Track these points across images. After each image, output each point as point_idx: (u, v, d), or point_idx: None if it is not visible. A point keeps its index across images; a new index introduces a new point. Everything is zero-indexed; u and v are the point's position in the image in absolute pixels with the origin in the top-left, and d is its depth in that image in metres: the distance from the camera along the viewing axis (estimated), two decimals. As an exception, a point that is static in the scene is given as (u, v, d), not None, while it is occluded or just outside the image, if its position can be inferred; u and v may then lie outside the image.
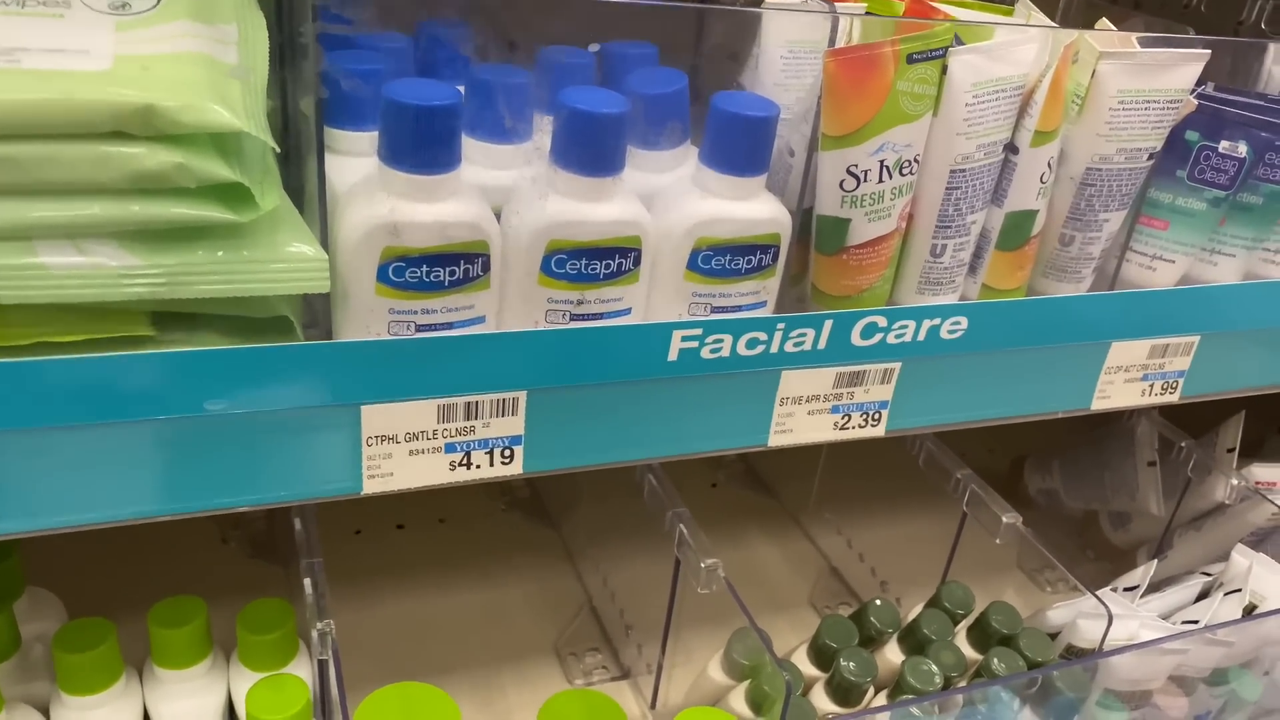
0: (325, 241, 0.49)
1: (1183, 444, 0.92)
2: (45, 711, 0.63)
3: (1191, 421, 0.97)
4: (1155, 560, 0.85)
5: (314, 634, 0.59)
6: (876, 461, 0.95)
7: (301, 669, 0.66)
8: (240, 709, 0.63)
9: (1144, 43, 0.61)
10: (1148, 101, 0.60)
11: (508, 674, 0.82)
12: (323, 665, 0.62)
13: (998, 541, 0.78)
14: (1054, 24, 0.66)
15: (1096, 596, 0.72)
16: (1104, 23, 0.64)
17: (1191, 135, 0.65)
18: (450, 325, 0.51)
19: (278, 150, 0.46)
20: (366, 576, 0.90)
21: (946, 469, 0.83)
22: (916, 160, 0.57)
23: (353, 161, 0.52)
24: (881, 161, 0.55)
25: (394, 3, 0.60)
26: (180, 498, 0.49)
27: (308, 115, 0.47)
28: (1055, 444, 1.10)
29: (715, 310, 0.57)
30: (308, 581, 0.62)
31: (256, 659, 0.65)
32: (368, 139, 0.52)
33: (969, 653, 0.76)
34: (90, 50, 0.42)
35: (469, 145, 0.52)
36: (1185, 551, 0.94)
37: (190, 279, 0.45)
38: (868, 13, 0.65)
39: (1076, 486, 1.06)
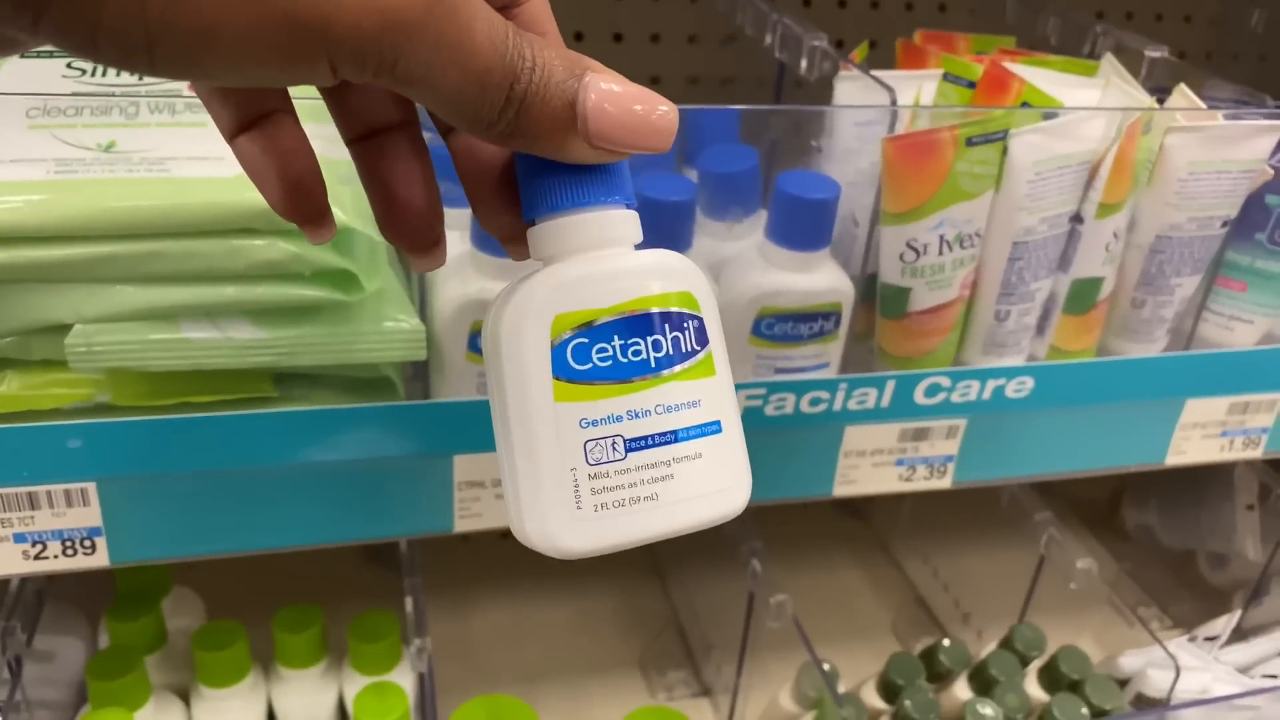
0: (423, 311, 0.55)
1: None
2: (186, 698, 0.72)
3: (1295, 466, 0.95)
4: (1239, 611, 0.84)
5: (412, 649, 0.66)
6: (968, 489, 0.97)
7: (404, 675, 0.73)
8: (350, 708, 0.71)
9: (1219, 110, 0.61)
10: (1219, 172, 0.61)
11: (594, 685, 0.88)
12: (421, 675, 0.69)
13: (1072, 586, 0.79)
14: (1135, 83, 0.67)
15: (1164, 647, 0.72)
16: (1182, 89, 0.65)
17: (1272, 199, 0.65)
18: (532, 386, 0.57)
19: (379, 240, 0.52)
20: (468, 583, 0.97)
21: (1027, 511, 0.85)
22: (978, 234, 0.59)
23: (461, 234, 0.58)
24: (941, 236, 0.58)
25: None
26: (295, 533, 0.57)
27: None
28: (1155, 477, 1.09)
29: (779, 371, 0.61)
30: (409, 600, 0.69)
31: (364, 664, 0.72)
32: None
33: (1039, 695, 0.78)
34: (225, 157, 0.49)
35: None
36: (1280, 599, 0.92)
37: (307, 349, 0.52)
38: (945, 74, 0.68)
39: (1173, 524, 1.05)
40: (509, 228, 0.33)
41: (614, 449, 0.31)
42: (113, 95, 0.52)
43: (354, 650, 0.73)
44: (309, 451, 0.54)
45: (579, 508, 0.30)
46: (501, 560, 1.00)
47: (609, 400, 0.30)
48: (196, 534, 0.55)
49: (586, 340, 0.30)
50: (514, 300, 0.30)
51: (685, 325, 0.31)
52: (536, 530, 0.31)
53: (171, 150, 0.49)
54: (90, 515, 0.53)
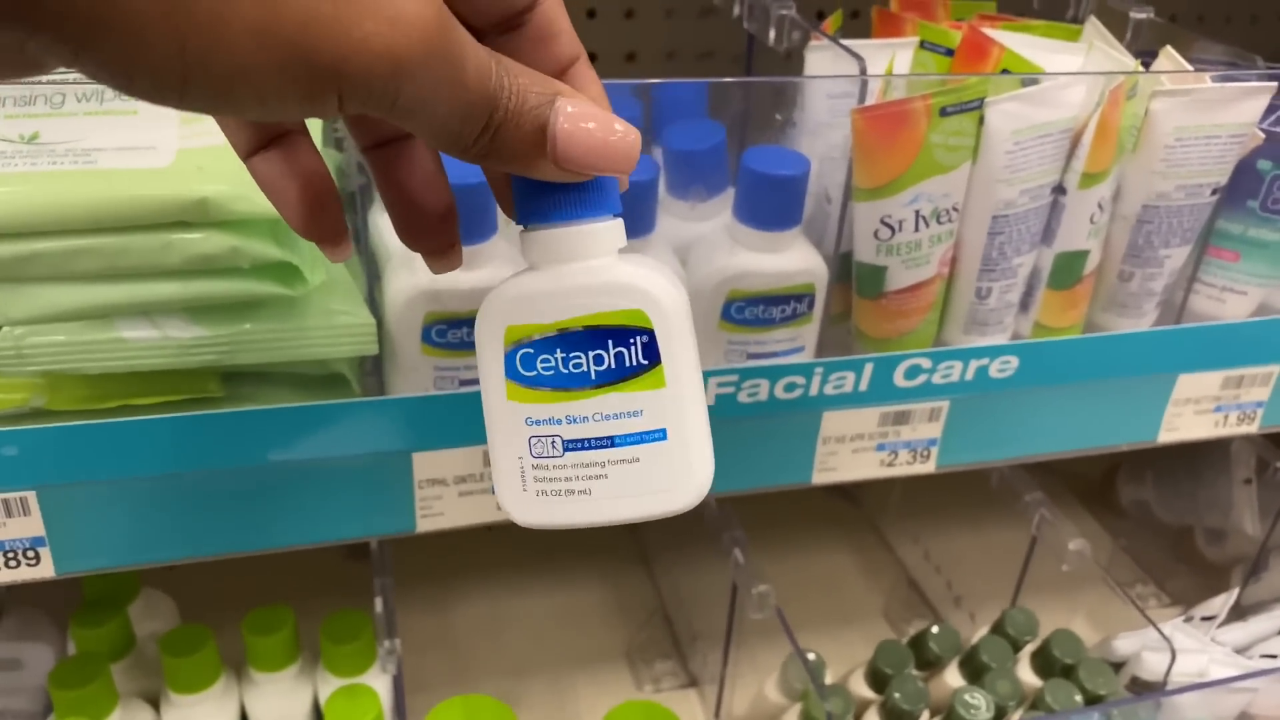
0: (373, 301, 0.53)
1: (1278, 464, 0.88)
2: (157, 704, 0.70)
3: (1295, 439, 0.92)
4: (1236, 590, 0.82)
5: (382, 650, 0.64)
6: (959, 471, 0.95)
7: (380, 676, 0.71)
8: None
9: (1207, 72, 0.59)
10: (1208, 137, 0.58)
11: (580, 677, 0.86)
12: (393, 676, 0.67)
13: (1064, 568, 0.77)
14: (1120, 47, 0.64)
15: (1159, 630, 0.70)
16: (1169, 51, 0.62)
17: (1264, 165, 0.63)
18: (492, 379, 0.54)
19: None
20: (450, 577, 0.95)
21: (1017, 492, 0.82)
22: (955, 209, 0.57)
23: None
24: (917, 211, 0.55)
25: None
26: (249, 539, 0.55)
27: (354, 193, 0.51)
28: (1150, 453, 1.06)
29: (751, 356, 0.58)
30: (379, 600, 0.67)
31: (337, 666, 0.70)
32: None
33: (1032, 680, 0.76)
34: (156, 147, 0.47)
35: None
36: (1279, 575, 0.90)
37: (250, 347, 0.49)
38: (922, 42, 0.65)
39: (1170, 500, 1.02)
40: None
41: (553, 447, 0.34)
42: (38, 83, 0.49)
43: (326, 652, 0.71)
44: (258, 453, 0.51)
45: (524, 490, 0.34)
46: (484, 553, 0.98)
47: (550, 405, 0.33)
48: (145, 541, 0.53)
49: (532, 350, 0.33)
50: (484, 304, 0.33)
51: (631, 341, 0.32)
52: (500, 499, 0.35)
53: (99, 140, 0.47)
54: (32, 525, 0.51)
